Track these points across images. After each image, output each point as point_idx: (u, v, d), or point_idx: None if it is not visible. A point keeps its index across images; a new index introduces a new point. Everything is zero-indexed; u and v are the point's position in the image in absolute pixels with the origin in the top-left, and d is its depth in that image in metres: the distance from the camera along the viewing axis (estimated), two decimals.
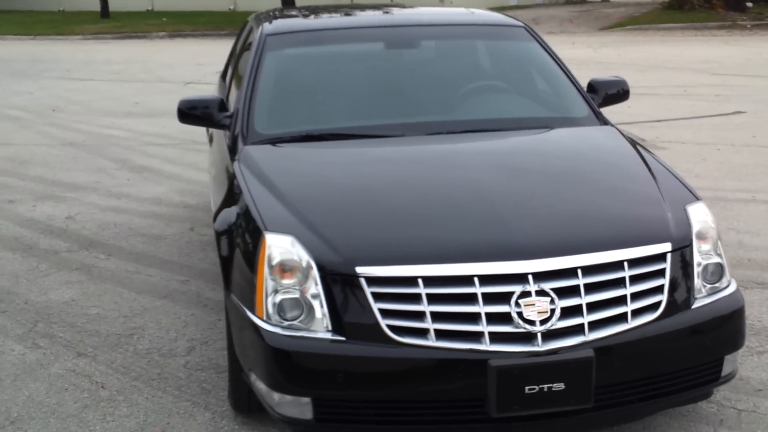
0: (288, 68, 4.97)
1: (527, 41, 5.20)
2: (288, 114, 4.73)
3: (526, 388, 3.27)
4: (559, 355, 3.29)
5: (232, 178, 4.30)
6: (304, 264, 3.45)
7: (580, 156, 4.37)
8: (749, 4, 28.61)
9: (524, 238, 3.45)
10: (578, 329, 3.34)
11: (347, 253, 3.43)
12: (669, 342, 3.47)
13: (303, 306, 3.43)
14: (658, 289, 3.51)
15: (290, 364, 3.39)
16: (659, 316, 3.47)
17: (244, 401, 3.93)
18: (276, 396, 3.44)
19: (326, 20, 5.46)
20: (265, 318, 3.46)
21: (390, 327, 3.31)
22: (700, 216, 3.79)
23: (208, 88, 15.03)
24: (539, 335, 3.29)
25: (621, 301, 3.42)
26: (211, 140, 5.48)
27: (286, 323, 3.44)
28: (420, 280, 3.33)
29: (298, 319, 3.43)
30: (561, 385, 3.28)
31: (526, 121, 4.70)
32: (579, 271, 3.39)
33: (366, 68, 5.02)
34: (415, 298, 3.33)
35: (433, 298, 3.32)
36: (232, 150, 4.50)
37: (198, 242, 6.71)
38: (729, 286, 3.73)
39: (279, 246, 3.51)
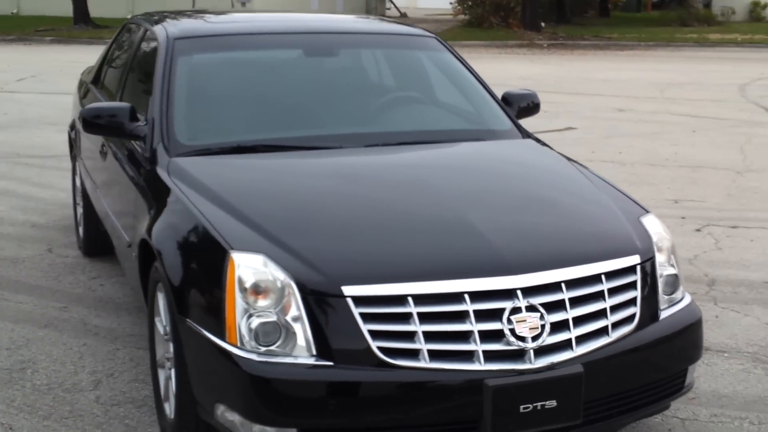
0: (205, 75, 4.65)
1: (441, 52, 5.10)
2: (212, 124, 4.43)
3: (521, 407, 3.15)
4: (551, 371, 3.18)
5: (161, 192, 3.96)
6: (279, 284, 3.19)
7: (530, 170, 4.30)
8: (543, 24, 29.90)
9: (509, 253, 3.32)
10: (566, 344, 3.25)
11: (331, 272, 3.20)
12: (645, 354, 3.44)
13: (281, 330, 3.17)
14: (632, 302, 3.47)
15: (273, 392, 3.11)
16: (635, 329, 3.43)
17: None
18: (256, 428, 3.16)
19: (235, 25, 5.15)
20: (238, 344, 3.17)
21: (380, 349, 3.10)
22: (654, 227, 3.78)
23: (17, 97, 14.17)
24: (531, 352, 3.18)
25: (602, 314, 3.36)
26: (103, 152, 5.04)
27: (263, 349, 3.16)
28: (410, 299, 3.14)
29: (276, 344, 3.16)
30: (553, 403, 3.18)
31: (457, 133, 4.60)
32: (563, 285, 3.30)
33: (288, 76, 4.77)
34: (405, 318, 3.14)
35: (423, 317, 3.14)
36: (153, 161, 4.15)
37: (62, 264, 6.22)
38: (684, 298, 3.74)
39: (249, 266, 3.23)
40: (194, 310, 3.39)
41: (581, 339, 3.28)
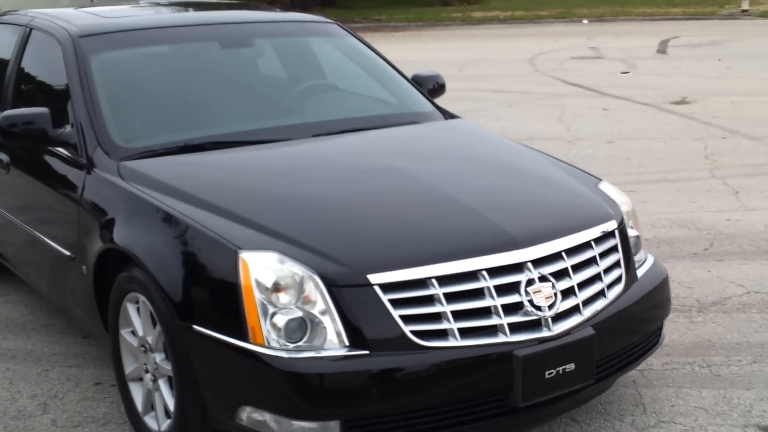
0: (123, 73, 4.43)
1: (346, 37, 5.11)
2: (147, 124, 4.24)
3: (546, 373, 3.26)
4: (569, 336, 3.31)
5: (116, 198, 3.79)
6: (298, 279, 3.15)
7: (485, 149, 4.39)
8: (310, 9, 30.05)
9: (511, 228, 3.41)
10: (575, 310, 3.38)
11: (353, 262, 3.18)
12: (636, 311, 3.63)
13: (307, 324, 3.13)
14: (617, 264, 3.65)
15: (314, 387, 3.07)
16: (624, 289, 3.61)
17: None
18: (296, 425, 3.10)
19: (136, 19, 4.91)
20: (265, 343, 3.10)
21: (413, 333, 3.13)
22: (614, 194, 3.99)
23: None
24: (549, 320, 3.29)
25: (597, 278, 3.52)
26: (3, 165, 4.70)
27: (291, 345, 3.11)
28: (434, 281, 3.18)
29: (304, 339, 3.12)
30: (572, 366, 3.31)
31: (392, 117, 4.62)
32: (563, 254, 3.43)
33: (209, 70, 4.62)
34: (431, 300, 3.17)
35: (448, 297, 3.18)
36: (92, 167, 3.96)
37: None
38: (648, 257, 3.97)
39: (265, 264, 3.17)
40: (202, 315, 3.27)
41: (586, 303, 3.42)
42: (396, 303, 3.13)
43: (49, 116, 4.10)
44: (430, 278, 3.17)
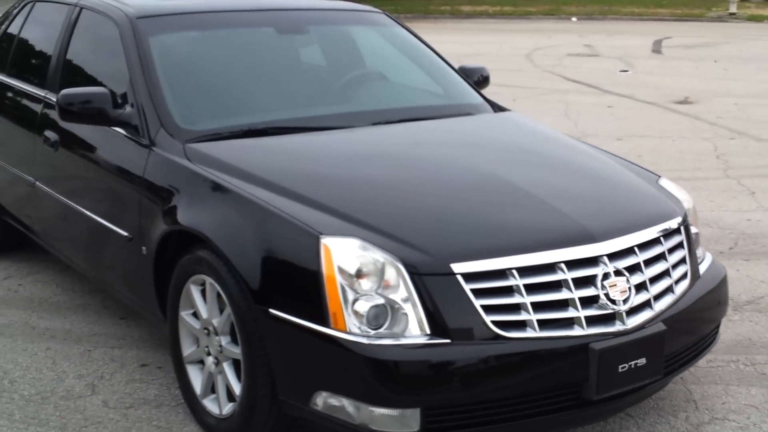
0: (182, 56, 4.42)
1: (395, 27, 5.12)
2: (208, 108, 4.23)
3: (620, 367, 3.28)
4: (642, 331, 3.33)
5: (183, 179, 3.78)
6: (380, 267, 3.15)
7: (546, 142, 4.40)
8: None
9: (587, 222, 3.42)
10: (646, 305, 3.40)
11: (436, 251, 3.18)
12: (700, 308, 3.66)
13: (388, 311, 3.13)
14: (683, 260, 3.67)
15: (396, 374, 3.07)
16: (689, 286, 3.64)
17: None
18: (376, 411, 3.11)
19: (190, 3, 4.88)
20: (347, 329, 3.10)
21: (494, 323, 3.14)
22: (675, 190, 4.02)
23: None
24: (624, 314, 3.31)
25: (666, 274, 3.54)
26: (52, 143, 4.66)
27: (372, 332, 3.11)
28: (514, 272, 3.19)
29: (385, 326, 3.12)
30: (643, 360, 3.33)
31: (446, 108, 4.63)
32: (636, 249, 3.45)
33: (267, 55, 4.61)
34: (510, 291, 3.18)
35: (528, 289, 3.19)
36: (156, 148, 3.95)
37: None
38: (707, 255, 3.99)
39: (347, 250, 3.16)
40: (279, 299, 3.26)
41: (656, 298, 3.44)
42: (477, 293, 3.14)
43: (109, 96, 4.07)
44: (510, 269, 3.18)
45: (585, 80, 13.88)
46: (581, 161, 4.15)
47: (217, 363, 3.64)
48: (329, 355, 3.14)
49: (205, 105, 4.24)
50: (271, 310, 3.27)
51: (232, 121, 4.10)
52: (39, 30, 5.33)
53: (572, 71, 14.78)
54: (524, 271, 3.20)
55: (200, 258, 3.57)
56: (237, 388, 3.53)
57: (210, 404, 3.71)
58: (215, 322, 3.60)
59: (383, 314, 3.13)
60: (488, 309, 3.14)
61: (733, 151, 8.94)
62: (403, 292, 3.13)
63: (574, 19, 27.76)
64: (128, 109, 4.11)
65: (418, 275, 3.13)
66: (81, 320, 4.92)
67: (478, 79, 5.14)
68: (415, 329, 3.11)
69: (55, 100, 4.66)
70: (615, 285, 3.30)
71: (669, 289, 3.53)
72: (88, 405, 3.99)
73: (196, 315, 3.73)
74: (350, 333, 3.10)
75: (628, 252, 3.42)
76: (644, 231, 3.52)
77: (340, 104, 4.47)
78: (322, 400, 3.21)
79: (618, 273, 3.33)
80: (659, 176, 4.14)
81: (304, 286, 3.21)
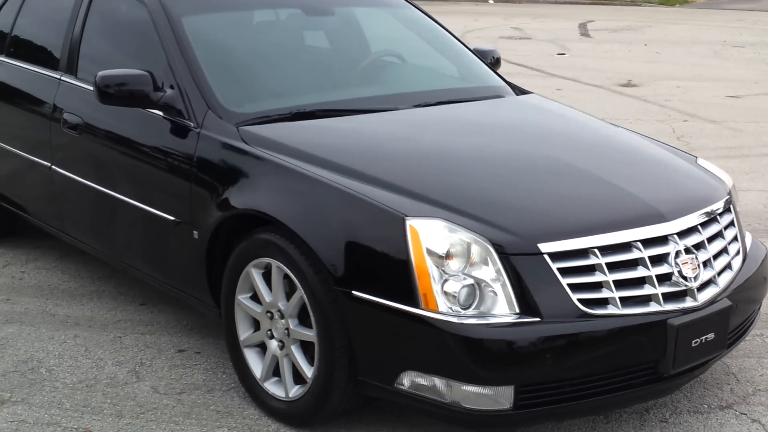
0: (217, 36, 4.36)
1: (411, 9, 5.14)
2: (251, 89, 4.19)
3: (693, 342, 3.38)
4: (711, 306, 3.44)
5: (240, 162, 3.75)
6: (467, 247, 3.19)
7: (587, 125, 4.46)
8: None
9: (655, 202, 3.51)
10: (711, 281, 3.52)
11: (523, 231, 3.24)
12: (753, 284, 3.78)
13: (476, 291, 3.18)
14: (735, 238, 3.80)
15: (491, 353, 3.12)
16: (742, 262, 3.77)
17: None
18: (469, 389, 3.15)
19: None
20: (440, 310, 3.14)
21: (580, 301, 3.21)
22: (716, 169, 4.14)
23: None
24: (695, 290, 3.41)
25: (724, 251, 3.67)
26: (76, 126, 4.55)
27: (462, 312, 3.15)
28: (597, 251, 3.27)
29: (474, 305, 3.17)
30: (711, 335, 3.44)
31: (476, 90, 4.66)
32: (699, 227, 3.56)
33: (299, 36, 4.59)
34: (592, 269, 3.26)
35: (609, 267, 3.27)
36: (202, 130, 3.91)
37: None
38: (746, 233, 4.12)
39: (435, 231, 3.19)
40: (363, 281, 3.28)
41: (719, 275, 3.56)
42: (563, 272, 3.21)
43: (150, 78, 4.00)
44: (593, 248, 3.26)
45: (526, 63, 14.06)
46: (628, 144, 4.24)
47: (282, 346, 3.63)
48: (420, 335, 3.17)
49: (245, 87, 4.21)
50: (355, 292, 3.28)
51: (278, 104, 4.07)
52: (43, 10, 5.18)
53: (511, 54, 14.92)
54: (605, 250, 3.28)
55: (265, 241, 3.56)
56: (308, 371, 3.53)
57: (273, 387, 3.71)
58: (281, 305, 3.59)
59: (472, 294, 3.17)
60: (574, 287, 3.21)
61: (691, 134, 9.19)
62: (491, 271, 3.17)
63: (491, 1, 27.98)
64: (169, 91, 4.05)
65: (505, 255, 3.18)
66: (100, 307, 4.84)
67: (491, 61, 5.19)
68: (504, 308, 3.16)
69: (71, 82, 4.58)
70: (686, 263, 3.40)
71: (728, 266, 3.64)
72: (137, 392, 3.94)
73: (255, 299, 3.72)
74: (442, 313, 3.13)
75: (693, 230, 3.52)
76: (704, 209, 3.63)
77: (377, 86, 4.49)
78: (410, 379, 3.25)
79: (687, 251, 3.43)
80: (696, 157, 4.27)
81: (391, 267, 3.23)
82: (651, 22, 21.49)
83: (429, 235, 3.18)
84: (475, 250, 3.18)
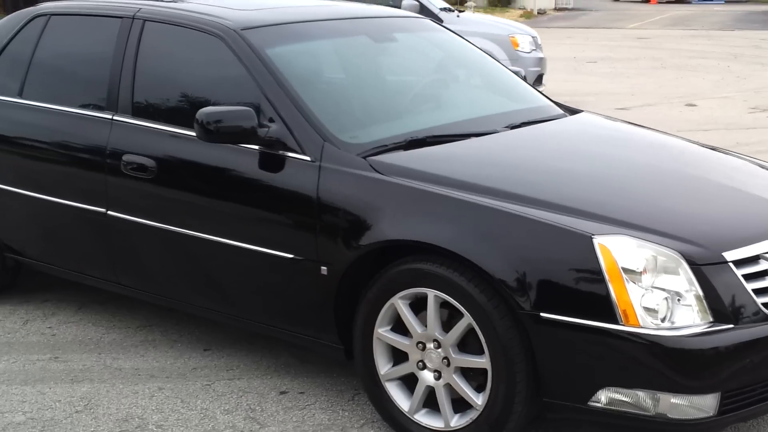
0: (303, 67, 4.27)
1: (447, 33, 5.20)
2: (354, 120, 4.15)
3: None
4: None
5: (377, 193, 3.72)
6: (659, 261, 3.29)
7: (666, 141, 4.63)
8: None
9: None
10: None
11: (710, 241, 3.38)
12: None
13: (669, 303, 3.27)
14: None
15: (699, 362, 3.22)
16: None
17: None
18: (676, 400, 3.24)
19: (285, 11, 4.67)
20: (641, 324, 3.21)
21: (764, 305, 3.36)
22: None
23: None
24: None
25: None
26: (146, 168, 4.31)
27: (661, 324, 3.24)
28: (766, 255, 3.43)
29: (668, 317, 3.26)
30: None
31: (541, 110, 4.75)
32: None
33: (375, 64, 4.56)
34: (765, 274, 3.41)
35: None
36: (321, 162, 3.84)
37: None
38: None
39: (626, 248, 3.28)
40: (554, 302, 3.30)
41: None
42: (747, 278, 3.36)
43: (254, 114, 3.88)
44: (764, 254, 3.43)
45: None
46: (717, 155, 4.46)
47: (439, 376, 3.60)
48: (621, 351, 3.23)
49: (351, 117, 4.17)
50: (543, 314, 3.31)
51: (387, 132, 4.04)
52: (70, 46, 4.89)
53: None
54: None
55: (420, 271, 3.53)
56: (476, 398, 3.51)
57: (425, 419, 3.67)
58: (437, 334, 3.56)
59: (668, 306, 3.25)
60: (757, 292, 3.36)
61: None
62: (683, 283, 3.27)
63: None
64: (273, 126, 3.94)
65: (696, 266, 3.29)
66: (163, 356, 4.62)
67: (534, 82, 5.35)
68: (698, 318, 3.26)
69: (129, 121, 4.39)
70: None
71: None
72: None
73: (396, 330, 3.67)
74: (644, 327, 3.20)
75: None
76: None
77: (462, 109, 4.53)
78: (607, 396, 3.30)
79: None
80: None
81: (584, 287, 3.28)
82: None
83: (621, 252, 3.25)
84: (667, 263, 3.27)
